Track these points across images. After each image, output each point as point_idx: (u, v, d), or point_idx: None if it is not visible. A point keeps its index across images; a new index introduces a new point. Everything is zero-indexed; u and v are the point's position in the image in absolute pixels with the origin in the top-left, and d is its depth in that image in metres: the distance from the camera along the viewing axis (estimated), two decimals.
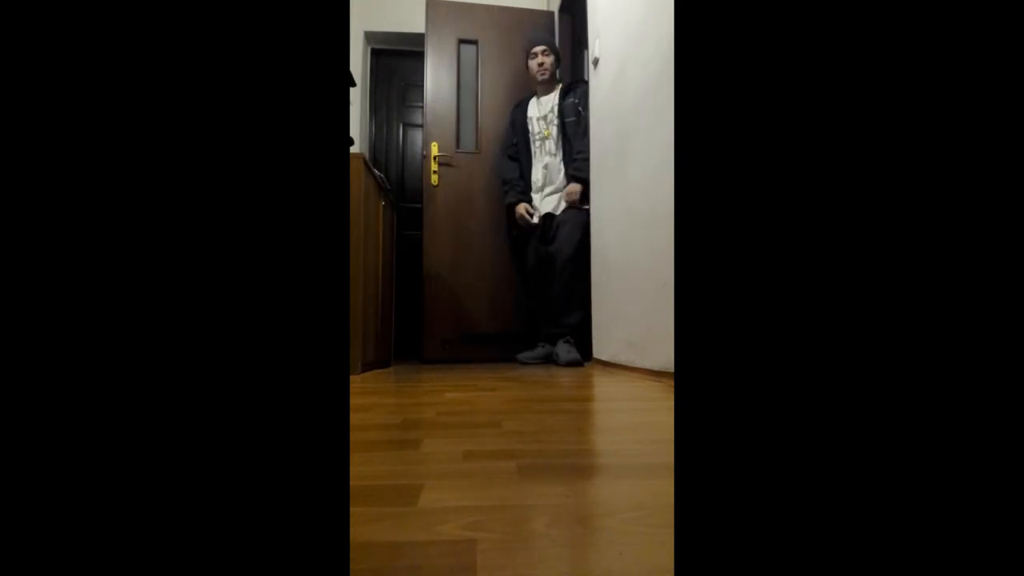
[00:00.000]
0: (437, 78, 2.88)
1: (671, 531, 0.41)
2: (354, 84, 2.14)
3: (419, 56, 3.30)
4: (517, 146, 2.76)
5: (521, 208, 2.67)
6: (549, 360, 2.46)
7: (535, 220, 2.62)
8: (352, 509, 0.47)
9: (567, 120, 2.61)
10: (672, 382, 1.38)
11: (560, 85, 2.72)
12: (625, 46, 1.88)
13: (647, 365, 1.60)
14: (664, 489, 0.52)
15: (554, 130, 2.66)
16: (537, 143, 2.71)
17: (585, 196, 2.49)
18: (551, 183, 2.65)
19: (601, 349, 2.14)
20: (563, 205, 2.56)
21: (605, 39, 2.14)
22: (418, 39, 3.21)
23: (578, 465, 0.62)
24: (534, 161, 2.72)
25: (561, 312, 2.43)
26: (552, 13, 3.00)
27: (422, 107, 3.11)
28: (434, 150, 2.83)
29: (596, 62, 2.29)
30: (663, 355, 1.48)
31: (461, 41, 2.92)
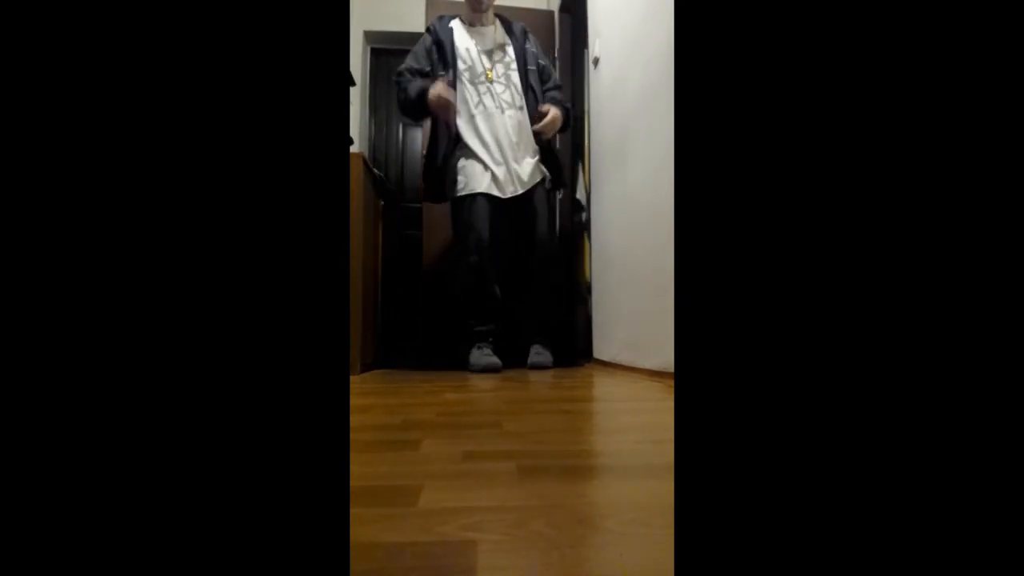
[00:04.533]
0: None
1: (671, 532, 0.41)
2: (354, 83, 2.14)
3: None
4: (430, 75, 2.04)
5: (440, 88, 1.93)
6: (497, 369, 1.93)
7: (504, 195, 2.02)
8: (352, 510, 0.47)
9: (530, 68, 2.10)
10: (673, 382, 1.38)
11: (497, 20, 2.18)
12: (625, 45, 1.88)
13: (647, 365, 1.60)
14: (665, 490, 0.52)
15: (514, 76, 2.08)
16: (482, 84, 2.05)
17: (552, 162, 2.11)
18: (518, 144, 2.04)
19: (601, 349, 2.14)
20: (537, 176, 2.09)
21: (605, 38, 2.13)
22: (418, 39, 3.21)
23: (578, 466, 0.61)
24: (471, 106, 2.04)
25: (542, 311, 2.06)
26: (552, 12, 3.00)
27: None
28: None
29: (596, 61, 2.29)
30: (664, 355, 1.48)
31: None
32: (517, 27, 2.20)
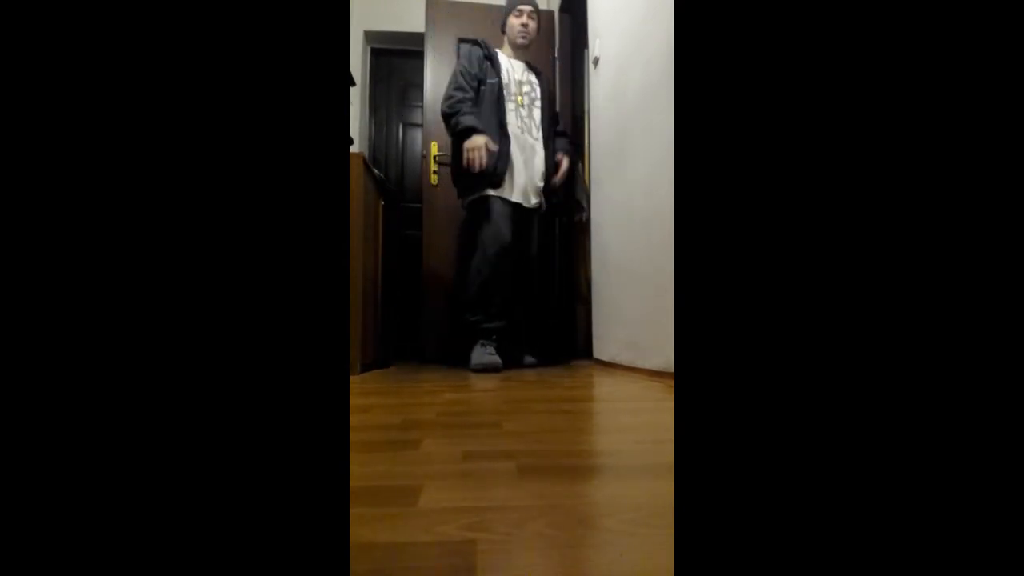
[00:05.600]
0: (437, 78, 2.87)
1: (671, 532, 0.41)
2: (354, 84, 2.14)
3: (419, 56, 3.30)
4: (477, 90, 2.18)
5: (482, 140, 2.04)
6: (498, 368, 2.00)
7: (533, 203, 2.23)
8: (352, 510, 0.47)
9: (543, 109, 2.29)
10: (673, 382, 1.38)
11: (526, 60, 2.36)
12: (625, 46, 1.88)
13: (648, 365, 1.60)
14: (665, 490, 0.52)
15: (536, 113, 2.27)
16: (512, 108, 2.22)
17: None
18: (535, 167, 2.23)
19: (601, 349, 2.14)
20: (542, 204, 2.29)
21: (605, 39, 2.14)
22: (418, 38, 3.21)
23: (578, 465, 0.61)
24: (509, 126, 2.18)
25: (539, 315, 2.31)
26: (552, 12, 3.00)
27: (422, 107, 3.11)
28: (434, 150, 2.82)
29: (596, 62, 2.29)
30: (664, 355, 1.47)
31: (461, 40, 2.92)
32: (541, 74, 2.41)
